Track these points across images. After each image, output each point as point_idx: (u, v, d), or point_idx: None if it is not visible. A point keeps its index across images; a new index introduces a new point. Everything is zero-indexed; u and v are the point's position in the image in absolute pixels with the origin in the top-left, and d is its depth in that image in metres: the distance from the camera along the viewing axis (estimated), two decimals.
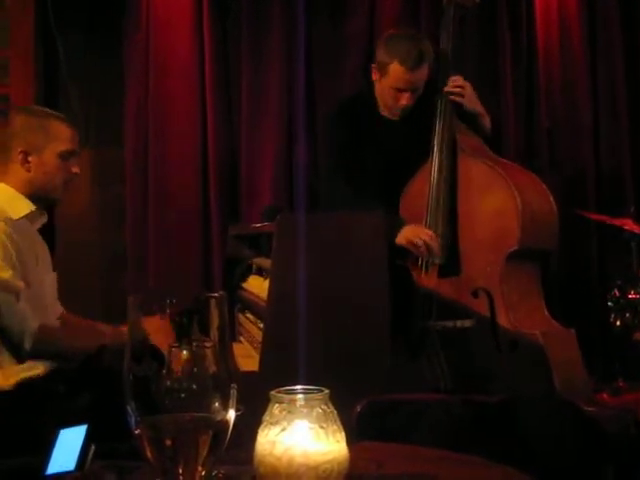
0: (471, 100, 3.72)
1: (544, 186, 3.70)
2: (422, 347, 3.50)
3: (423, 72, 3.68)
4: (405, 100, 3.71)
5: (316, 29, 4.94)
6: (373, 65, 3.79)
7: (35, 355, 2.81)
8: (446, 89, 3.69)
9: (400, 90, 3.71)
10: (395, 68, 3.67)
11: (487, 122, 3.78)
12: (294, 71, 4.84)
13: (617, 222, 3.84)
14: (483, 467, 1.65)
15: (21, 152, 2.97)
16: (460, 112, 3.72)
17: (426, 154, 3.69)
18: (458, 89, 3.68)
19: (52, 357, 2.86)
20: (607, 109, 4.77)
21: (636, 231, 3.80)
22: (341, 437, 1.49)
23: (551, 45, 4.82)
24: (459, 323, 3.49)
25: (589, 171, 4.76)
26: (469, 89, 3.72)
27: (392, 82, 3.70)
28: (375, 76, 3.78)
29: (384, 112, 3.84)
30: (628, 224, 3.80)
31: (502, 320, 3.47)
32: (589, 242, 4.71)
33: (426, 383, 3.36)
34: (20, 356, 2.81)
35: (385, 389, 2.82)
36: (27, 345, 2.77)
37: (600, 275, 4.69)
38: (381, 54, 3.72)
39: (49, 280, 3.07)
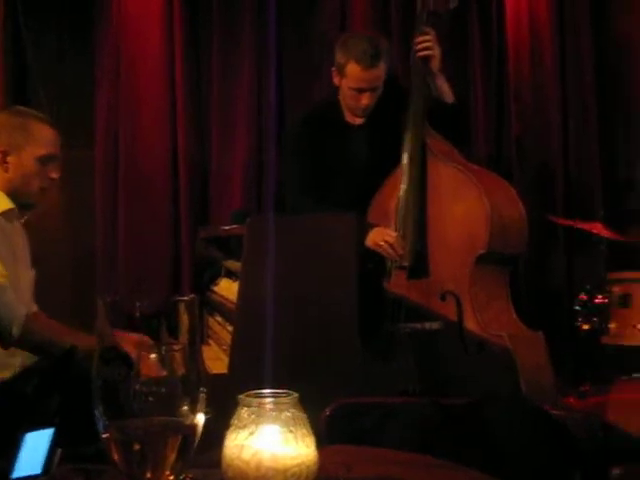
0: (438, 60, 3.71)
1: (514, 191, 3.72)
2: (391, 349, 3.51)
3: (380, 70, 3.69)
4: (366, 100, 3.72)
5: (287, 34, 4.96)
6: (333, 69, 3.80)
7: (20, 343, 2.80)
8: (416, 48, 3.69)
9: (359, 90, 3.71)
10: (352, 68, 3.68)
11: (450, 93, 3.77)
12: (265, 76, 4.85)
13: (585, 226, 3.87)
14: (451, 470, 1.65)
15: (0, 151, 2.95)
16: (425, 75, 3.69)
17: (393, 159, 3.70)
18: (428, 44, 3.68)
19: (35, 347, 2.85)
20: (576, 113, 4.80)
21: (604, 235, 3.84)
22: (310, 441, 1.49)
23: (521, 49, 4.85)
24: (427, 325, 3.51)
25: (558, 175, 4.78)
26: (438, 50, 3.72)
27: (350, 82, 3.71)
28: (336, 79, 3.79)
29: (349, 118, 3.85)
30: (596, 228, 3.83)
31: (470, 323, 3.48)
32: (558, 246, 4.74)
33: (396, 385, 3.37)
34: (6, 342, 2.80)
35: (355, 391, 2.82)
36: (15, 331, 2.76)
37: (568, 279, 4.72)
38: (339, 56, 3.73)
39: (27, 278, 3.05)
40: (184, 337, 1.27)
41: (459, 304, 3.50)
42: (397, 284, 3.60)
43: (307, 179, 3.76)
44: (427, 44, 3.67)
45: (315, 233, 3.05)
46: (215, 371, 3.37)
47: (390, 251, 3.56)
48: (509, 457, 2.15)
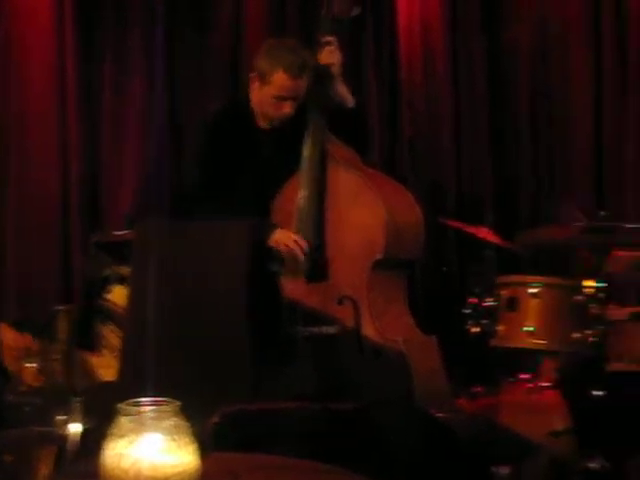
0: (339, 66, 3.75)
1: (411, 197, 3.75)
2: (289, 353, 3.51)
3: (305, 80, 3.70)
4: (288, 108, 3.72)
5: (180, 42, 4.94)
6: (252, 75, 3.78)
7: None
8: (319, 55, 3.72)
9: (283, 98, 3.71)
10: (279, 76, 3.67)
11: (350, 98, 3.81)
12: (157, 83, 4.82)
13: (475, 231, 3.94)
14: (339, 476, 1.66)
15: None
16: (327, 82, 3.72)
17: (298, 163, 3.72)
18: (331, 50, 3.71)
19: None
20: (468, 119, 4.89)
21: (493, 240, 3.92)
22: (192, 449, 1.48)
23: (414, 56, 4.92)
24: (325, 330, 3.52)
25: (450, 181, 4.86)
26: (339, 55, 3.75)
27: (275, 91, 3.70)
28: (255, 85, 3.77)
29: (260, 122, 3.85)
30: (485, 233, 3.91)
31: (367, 327, 3.50)
32: (449, 250, 4.81)
33: (293, 390, 3.37)
34: None
35: (248, 397, 2.81)
36: None
37: (460, 283, 4.79)
38: (264, 63, 3.71)
39: None
40: (62, 347, 1.25)
41: (356, 309, 3.52)
42: (296, 288, 3.61)
43: (211, 178, 3.74)
44: (329, 53, 3.70)
45: (206, 240, 3.03)
46: (107, 379, 3.32)
47: (293, 251, 3.58)
48: (397, 460, 2.17)
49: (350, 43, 4.89)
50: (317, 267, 3.61)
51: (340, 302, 3.54)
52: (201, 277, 2.93)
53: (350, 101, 3.77)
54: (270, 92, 3.70)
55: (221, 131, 3.77)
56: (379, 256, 3.52)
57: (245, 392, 2.76)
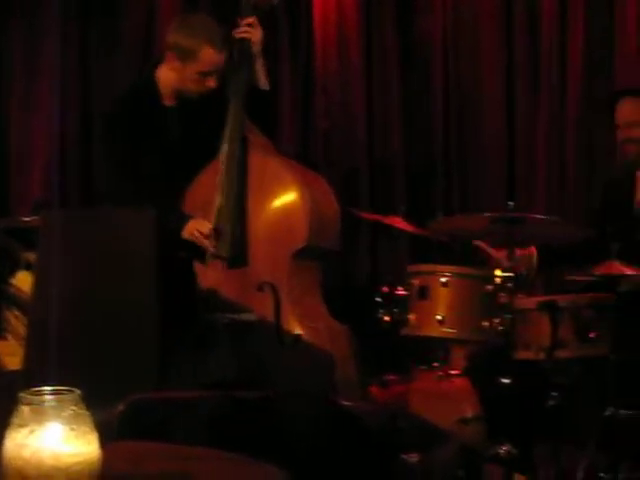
0: (259, 43, 3.73)
1: (328, 187, 3.79)
2: (208, 340, 3.50)
3: (226, 54, 3.70)
4: (212, 82, 3.70)
5: (92, 23, 4.87)
6: (169, 53, 3.71)
7: None
8: (238, 30, 3.71)
9: (207, 74, 3.68)
10: (207, 52, 3.63)
11: (266, 81, 3.79)
12: (68, 66, 4.74)
13: (388, 220, 3.97)
14: (242, 464, 1.65)
15: None
16: (244, 63, 3.70)
17: (208, 142, 3.70)
18: (249, 27, 3.70)
19: None
20: (381, 109, 4.91)
21: (405, 229, 3.95)
22: (93, 438, 1.47)
23: (328, 45, 4.92)
24: (244, 316, 3.52)
25: (363, 170, 4.88)
26: (259, 33, 3.74)
27: (202, 67, 3.66)
28: (172, 64, 3.71)
29: (166, 101, 3.80)
30: (398, 222, 3.93)
31: (286, 315, 3.53)
32: (362, 239, 4.83)
33: (212, 376, 3.36)
34: None
35: (157, 386, 2.79)
36: None
37: (372, 272, 4.82)
38: (185, 41, 3.65)
39: None
40: None
41: (276, 295, 3.53)
42: (214, 274, 3.60)
43: (125, 162, 3.69)
44: (247, 28, 3.69)
45: (112, 228, 2.99)
46: (12, 367, 3.26)
47: (205, 242, 3.56)
48: (302, 449, 2.17)
49: (265, 31, 4.88)
50: (237, 253, 3.60)
51: (260, 288, 3.55)
52: (108, 265, 2.89)
53: (265, 83, 3.77)
54: (195, 69, 3.66)
55: (123, 117, 3.72)
56: (302, 244, 3.55)
57: (152, 380, 2.74)
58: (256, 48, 3.73)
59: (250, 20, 3.72)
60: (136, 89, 3.91)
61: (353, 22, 4.92)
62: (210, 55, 3.64)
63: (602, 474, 3.33)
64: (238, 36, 3.71)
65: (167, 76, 3.75)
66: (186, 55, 3.65)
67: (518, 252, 3.82)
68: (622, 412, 3.31)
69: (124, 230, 2.96)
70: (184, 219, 3.62)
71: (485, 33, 4.76)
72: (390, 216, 3.98)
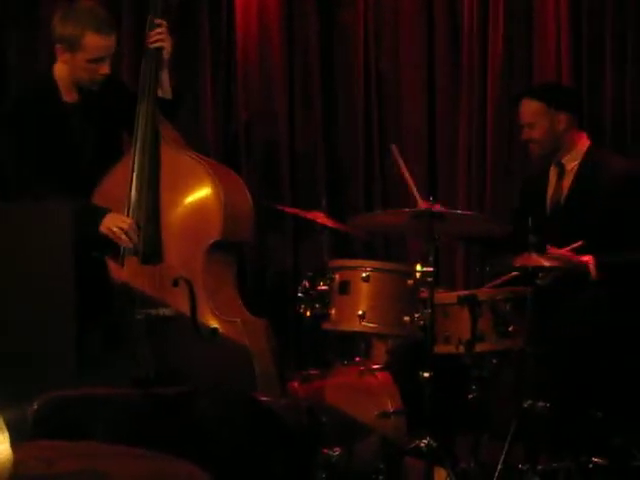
0: (169, 51, 3.71)
1: (241, 180, 3.80)
2: (125, 336, 3.47)
3: (114, 38, 3.64)
4: (105, 69, 3.64)
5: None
6: (58, 46, 3.65)
7: None
8: (150, 38, 3.67)
9: (99, 60, 3.62)
10: (91, 38, 3.57)
11: (169, 90, 3.78)
12: None
13: (309, 215, 3.96)
14: (158, 461, 1.63)
15: None
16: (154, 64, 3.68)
17: (114, 139, 3.66)
18: (161, 36, 3.67)
19: None
20: (302, 103, 4.91)
21: (326, 224, 3.95)
22: (3, 437, 1.43)
23: (249, 38, 4.89)
24: (161, 311, 3.51)
25: (284, 165, 4.87)
26: (170, 40, 3.71)
27: (89, 54, 3.60)
28: (64, 56, 3.65)
29: (66, 96, 3.74)
30: (319, 217, 3.93)
31: (203, 309, 3.52)
32: (284, 234, 4.83)
33: (130, 372, 3.33)
34: None
35: (84, 382, 2.76)
36: None
37: (294, 267, 4.82)
38: (69, 30, 3.59)
39: None
40: None
41: (192, 290, 3.52)
42: (130, 270, 3.57)
43: (27, 163, 3.62)
44: (161, 36, 3.66)
45: (27, 223, 2.93)
46: None
47: (123, 237, 3.52)
48: (221, 446, 2.16)
49: (186, 23, 4.85)
50: (152, 249, 3.57)
51: (175, 283, 3.54)
52: (21, 260, 2.83)
53: (168, 92, 3.75)
54: (83, 57, 3.60)
55: (22, 115, 3.65)
56: (216, 237, 3.54)
57: (68, 378, 2.69)
58: (165, 55, 3.71)
59: (160, 22, 3.68)
60: (33, 85, 3.84)
61: (274, 14, 4.90)
62: (95, 41, 3.58)
63: (521, 465, 3.37)
64: (152, 45, 3.67)
65: (62, 69, 3.70)
66: (72, 45, 3.60)
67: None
68: (539, 404, 3.36)
69: (39, 225, 2.90)
70: (102, 212, 3.57)
71: (406, 26, 4.77)
72: (311, 210, 3.98)
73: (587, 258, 3.63)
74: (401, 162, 3.85)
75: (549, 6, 4.39)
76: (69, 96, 3.72)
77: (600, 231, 3.71)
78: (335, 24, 4.92)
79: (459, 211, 3.87)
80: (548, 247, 3.51)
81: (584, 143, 3.91)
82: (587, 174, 3.85)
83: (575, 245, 3.64)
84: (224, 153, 4.82)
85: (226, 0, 4.91)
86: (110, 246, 3.57)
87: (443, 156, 4.75)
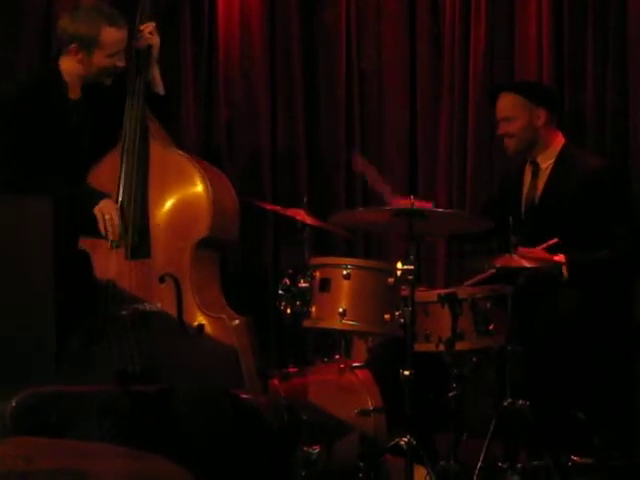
0: (157, 49, 3.74)
1: (227, 179, 3.83)
2: (110, 331, 3.46)
3: (127, 29, 3.70)
4: (121, 62, 3.69)
5: None
6: (72, 45, 3.66)
7: None
8: (140, 34, 3.69)
9: (115, 54, 3.65)
10: (109, 33, 3.62)
11: (161, 85, 3.80)
12: None
13: (290, 212, 3.96)
14: (136, 459, 1.62)
15: None
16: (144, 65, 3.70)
17: (112, 135, 3.67)
18: (149, 35, 3.70)
19: None
20: (284, 102, 4.90)
21: (307, 222, 3.94)
22: None
23: (231, 37, 4.88)
24: (147, 307, 3.51)
25: (266, 162, 4.86)
26: (158, 39, 3.74)
27: (109, 49, 3.64)
28: (80, 56, 3.66)
29: (71, 94, 3.75)
30: (300, 215, 3.93)
31: (189, 305, 3.54)
32: (265, 231, 4.82)
33: (115, 367, 3.33)
34: None
35: (69, 378, 2.75)
36: None
37: (275, 264, 4.82)
38: (84, 29, 3.61)
39: None
40: None
41: (178, 286, 3.53)
42: (117, 265, 3.58)
43: (28, 156, 3.62)
44: (147, 35, 3.69)
45: (6, 216, 2.91)
46: None
47: (109, 227, 3.53)
48: (201, 443, 2.15)
49: (166, 23, 4.82)
50: (139, 244, 3.58)
51: (162, 280, 3.55)
52: (2, 255, 2.82)
53: (161, 88, 3.78)
54: (103, 53, 3.64)
55: (29, 106, 3.65)
56: (204, 234, 3.56)
57: (48, 374, 2.68)
58: (155, 53, 3.74)
59: (151, 27, 3.72)
60: (40, 80, 3.84)
61: (256, 13, 4.89)
62: (112, 35, 3.63)
63: (500, 464, 3.38)
64: (142, 44, 3.70)
65: (72, 67, 3.71)
66: (89, 43, 3.62)
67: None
68: (519, 402, 3.37)
69: (19, 218, 2.88)
70: (101, 196, 3.58)
71: (388, 25, 4.78)
72: (292, 208, 3.98)
73: (559, 257, 3.64)
74: (368, 170, 3.86)
75: (531, 6, 4.40)
76: (74, 92, 3.74)
77: (574, 230, 3.73)
78: (317, 24, 4.92)
79: (440, 209, 3.87)
80: (518, 248, 3.51)
81: (559, 142, 3.92)
82: (561, 173, 3.87)
83: (550, 242, 3.65)
84: (206, 152, 4.80)
85: (208, 1, 4.90)
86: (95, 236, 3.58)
87: (424, 154, 4.75)
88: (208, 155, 4.73)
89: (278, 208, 4.11)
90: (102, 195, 3.61)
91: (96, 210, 3.56)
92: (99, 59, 3.65)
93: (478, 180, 4.54)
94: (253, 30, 4.89)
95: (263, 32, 4.88)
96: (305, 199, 4.03)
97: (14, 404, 2.15)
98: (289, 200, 4.37)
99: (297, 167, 4.87)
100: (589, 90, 4.23)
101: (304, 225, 3.94)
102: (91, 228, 3.57)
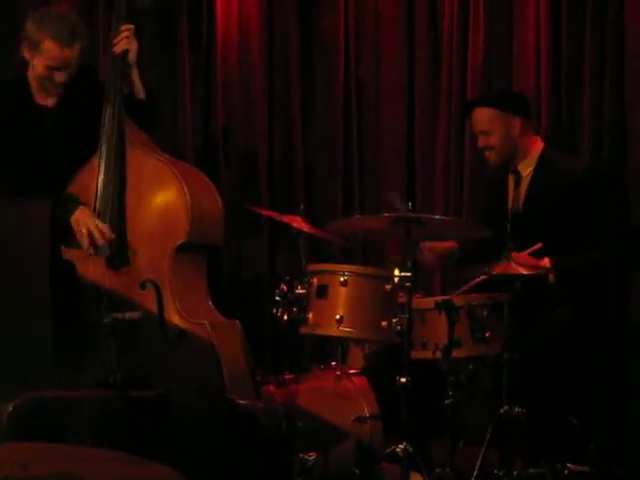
0: (135, 53, 3.70)
1: (210, 182, 3.76)
2: (92, 340, 3.44)
3: (76, 50, 3.62)
4: (59, 77, 3.63)
5: None
6: (24, 43, 3.65)
7: None
8: (112, 42, 3.66)
9: (53, 68, 3.62)
10: (48, 45, 3.57)
11: (142, 89, 3.77)
12: None
13: (286, 219, 3.97)
14: (133, 464, 1.62)
15: None
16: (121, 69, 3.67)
17: (88, 144, 3.64)
18: (124, 39, 3.66)
19: None
20: (281, 108, 4.91)
21: (304, 229, 3.95)
22: None
23: (229, 41, 4.89)
24: (128, 315, 3.47)
25: (262, 168, 4.87)
26: (135, 43, 3.70)
27: (45, 61, 3.60)
28: (27, 54, 3.65)
29: (40, 99, 3.73)
30: (297, 221, 3.93)
31: (170, 312, 3.49)
32: (261, 238, 4.82)
33: (95, 376, 3.30)
34: None
35: (47, 385, 2.73)
36: None
37: (271, 270, 4.81)
38: (32, 31, 3.60)
39: None
40: None
41: (159, 293, 3.50)
42: (96, 273, 3.54)
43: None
44: (125, 39, 3.65)
45: (5, 217, 2.91)
46: None
47: (87, 238, 3.49)
48: (197, 449, 2.15)
49: (163, 27, 4.84)
50: (118, 252, 3.55)
51: (143, 286, 3.51)
52: None
53: (141, 92, 3.75)
54: (41, 62, 3.61)
55: None
56: (182, 239, 3.52)
57: (44, 380, 2.67)
58: (132, 57, 3.69)
59: (124, 33, 3.67)
60: (10, 82, 3.81)
61: (255, 19, 4.90)
62: (52, 49, 3.57)
63: (496, 471, 3.38)
64: (118, 49, 3.66)
65: (30, 68, 3.69)
66: (32, 46, 3.61)
67: (439, 245, 3.90)
68: (515, 410, 3.37)
69: (17, 220, 2.88)
70: (77, 204, 3.55)
71: (386, 33, 4.78)
72: (289, 214, 3.97)
73: (544, 261, 3.65)
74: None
75: (529, 15, 4.40)
76: (43, 98, 3.71)
77: (561, 234, 3.73)
78: (315, 30, 4.93)
79: (437, 216, 3.87)
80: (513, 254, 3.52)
81: (538, 147, 3.93)
82: (541, 178, 3.87)
83: (534, 247, 3.65)
84: (202, 157, 4.80)
85: (206, 6, 4.90)
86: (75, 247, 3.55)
87: (422, 161, 4.76)
88: (204, 160, 4.74)
89: (274, 214, 4.10)
90: (77, 203, 3.57)
91: (72, 220, 3.52)
92: (38, 65, 3.62)
93: (475, 187, 4.54)
94: (251, 36, 4.90)
95: (261, 38, 4.89)
96: (302, 206, 4.03)
97: (11, 408, 2.15)
98: (285, 206, 4.37)
99: (294, 173, 4.88)
100: (586, 98, 4.23)
101: (300, 232, 3.94)
102: (69, 238, 3.54)
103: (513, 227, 3.82)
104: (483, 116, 3.92)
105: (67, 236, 3.52)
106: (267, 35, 4.90)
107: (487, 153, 3.94)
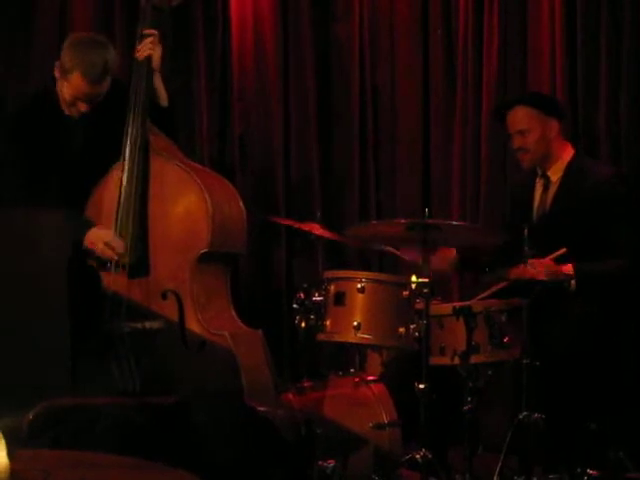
0: (159, 58, 3.71)
1: (234, 190, 3.75)
2: (111, 349, 3.44)
3: (105, 85, 3.64)
4: (83, 108, 3.65)
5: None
6: (57, 62, 3.67)
7: None
8: (138, 47, 3.67)
9: (78, 98, 3.64)
10: (77, 78, 3.59)
11: (165, 96, 3.78)
12: None
13: (305, 227, 3.97)
14: (153, 471, 1.62)
15: None
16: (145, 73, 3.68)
17: (113, 153, 3.64)
18: (150, 45, 3.67)
19: None
20: (298, 115, 4.92)
21: (322, 235, 3.95)
22: (0, 447, 1.43)
23: (245, 50, 4.91)
24: (148, 325, 3.46)
25: (279, 176, 4.88)
26: (159, 49, 3.72)
27: (72, 90, 3.63)
28: (57, 75, 3.67)
29: (68, 110, 3.75)
30: (315, 229, 3.94)
31: (191, 321, 3.47)
32: (278, 246, 4.82)
33: (116, 386, 3.30)
34: None
35: (71, 394, 2.73)
36: None
37: (288, 278, 4.82)
38: (66, 59, 3.62)
39: None
40: None
41: (180, 303, 3.48)
42: (117, 283, 3.54)
43: (23, 174, 3.62)
44: (149, 45, 3.65)
45: (22, 229, 2.92)
46: None
47: (108, 252, 3.50)
48: (217, 455, 2.15)
49: (179, 36, 4.86)
50: (138, 263, 3.54)
51: (164, 296, 3.50)
52: (15, 268, 2.82)
53: (164, 99, 3.75)
54: (68, 90, 3.63)
55: (24, 121, 3.66)
56: (204, 249, 3.50)
57: (64, 388, 2.68)
58: (155, 64, 3.70)
59: (151, 37, 3.68)
60: (41, 92, 3.84)
61: (270, 27, 4.92)
62: (79, 82, 3.59)
63: (516, 477, 3.37)
64: (142, 55, 3.66)
65: (58, 85, 3.72)
66: (63, 71, 3.63)
67: (437, 252, 3.90)
68: (535, 416, 3.36)
69: (34, 232, 2.89)
70: (86, 226, 3.55)
71: (401, 39, 4.79)
72: (306, 222, 3.97)
73: (567, 268, 3.63)
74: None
75: (544, 18, 4.40)
76: (73, 110, 3.72)
77: (585, 241, 3.71)
78: (330, 37, 4.94)
79: (454, 222, 3.86)
80: (529, 260, 3.51)
81: (568, 153, 3.91)
82: (570, 184, 3.85)
83: (558, 252, 3.64)
84: (218, 166, 4.81)
85: (222, 14, 4.92)
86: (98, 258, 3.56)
87: (438, 167, 4.75)
88: (221, 168, 4.75)
89: (292, 222, 4.10)
90: (87, 225, 3.57)
91: (86, 243, 3.53)
92: (66, 90, 3.65)
93: (492, 193, 4.53)
94: (266, 44, 4.93)
95: (276, 46, 4.91)
96: (319, 214, 4.03)
97: (32, 417, 2.16)
98: (302, 214, 4.37)
99: (310, 181, 4.88)
100: (602, 105, 4.22)
101: (318, 239, 3.94)
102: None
103: (537, 232, 3.80)
104: (523, 115, 3.88)
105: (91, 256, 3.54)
106: (282, 43, 4.91)
107: (521, 154, 3.91)
